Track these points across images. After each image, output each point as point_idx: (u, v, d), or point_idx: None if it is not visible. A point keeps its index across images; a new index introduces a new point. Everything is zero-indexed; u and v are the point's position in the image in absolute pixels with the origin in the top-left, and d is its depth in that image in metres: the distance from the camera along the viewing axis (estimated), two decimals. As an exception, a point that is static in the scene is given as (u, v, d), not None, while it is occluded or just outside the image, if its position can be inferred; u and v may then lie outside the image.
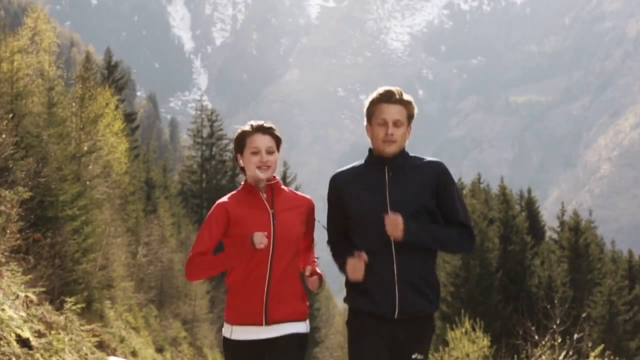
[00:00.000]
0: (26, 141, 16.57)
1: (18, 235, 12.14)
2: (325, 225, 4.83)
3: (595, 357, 11.58)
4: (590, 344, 12.43)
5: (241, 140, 4.65)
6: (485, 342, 18.82)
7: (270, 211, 4.56)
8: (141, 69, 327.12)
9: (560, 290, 30.70)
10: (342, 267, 4.59)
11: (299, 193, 4.75)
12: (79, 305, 12.60)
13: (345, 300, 4.71)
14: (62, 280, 15.64)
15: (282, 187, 4.69)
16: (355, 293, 4.62)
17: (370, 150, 4.70)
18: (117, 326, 20.73)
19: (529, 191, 41.60)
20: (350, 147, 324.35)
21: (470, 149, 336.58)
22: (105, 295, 20.99)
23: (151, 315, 29.24)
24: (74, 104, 22.98)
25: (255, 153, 4.58)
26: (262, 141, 4.59)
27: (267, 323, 4.52)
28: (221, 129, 51.27)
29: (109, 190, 24.17)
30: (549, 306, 14.53)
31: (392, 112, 4.58)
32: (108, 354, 14.85)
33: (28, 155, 15.86)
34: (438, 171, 4.67)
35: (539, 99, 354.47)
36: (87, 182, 21.80)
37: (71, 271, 16.53)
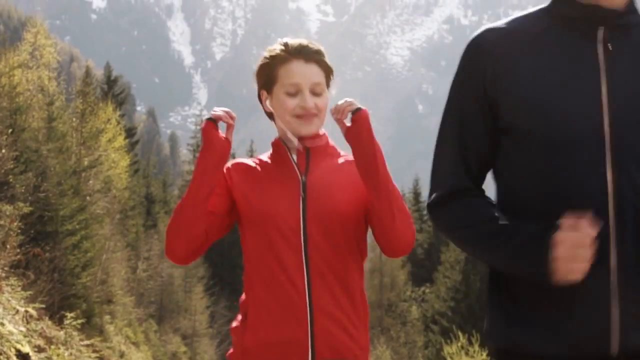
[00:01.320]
0: (25, 156, 16.60)
1: (18, 250, 12.15)
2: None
3: None
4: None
5: (269, 71, 2.67)
6: (483, 356, 18.85)
7: (301, 178, 2.62)
8: (141, 83, 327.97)
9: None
10: (502, 253, 2.03)
11: None
12: (78, 320, 12.60)
13: (490, 333, 2.14)
14: (61, 294, 15.64)
15: (330, 145, 2.79)
16: (519, 318, 2.06)
17: None
18: (117, 341, 20.71)
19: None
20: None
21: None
22: (105, 310, 20.98)
23: (151, 330, 29.23)
24: (74, 119, 23.09)
25: (292, 94, 2.64)
26: (306, 73, 2.64)
27: None
28: (221, 144, 51.36)
29: (108, 205, 24.23)
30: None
31: None
32: (107, 369, 14.82)
33: (27, 169, 15.90)
34: None
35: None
36: (87, 197, 21.84)
37: (71, 286, 16.54)
